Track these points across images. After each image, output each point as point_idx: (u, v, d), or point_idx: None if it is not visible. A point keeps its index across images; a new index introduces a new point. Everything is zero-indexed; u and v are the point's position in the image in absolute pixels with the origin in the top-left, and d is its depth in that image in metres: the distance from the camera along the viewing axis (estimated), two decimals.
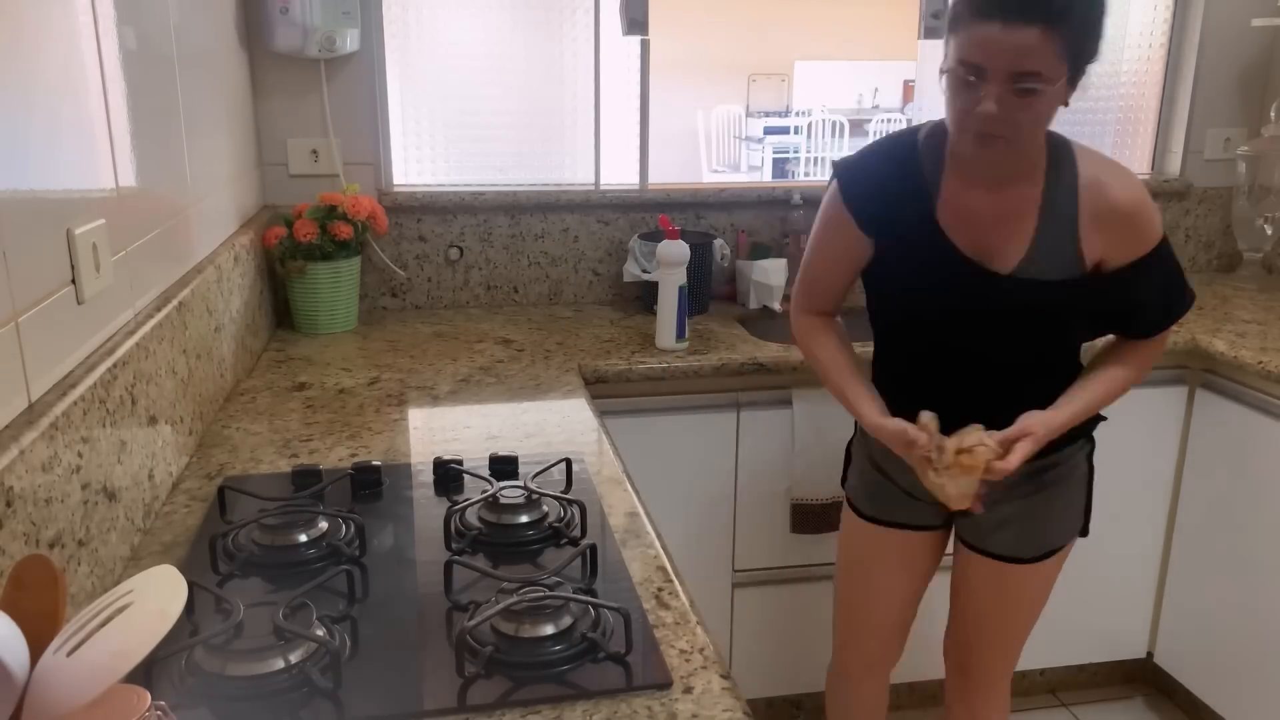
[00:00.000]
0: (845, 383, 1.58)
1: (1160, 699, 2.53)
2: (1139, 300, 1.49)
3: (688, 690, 0.99)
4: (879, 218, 1.52)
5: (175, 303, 1.50)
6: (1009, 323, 1.49)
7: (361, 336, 2.26)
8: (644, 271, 2.41)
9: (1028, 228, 1.44)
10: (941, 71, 1.36)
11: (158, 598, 0.60)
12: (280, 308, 2.33)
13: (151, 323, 1.38)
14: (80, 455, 1.09)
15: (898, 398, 1.57)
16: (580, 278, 2.57)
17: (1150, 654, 2.48)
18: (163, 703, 0.76)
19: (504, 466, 1.46)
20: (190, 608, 1.09)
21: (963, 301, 1.49)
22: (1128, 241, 1.44)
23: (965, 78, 1.32)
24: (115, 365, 1.21)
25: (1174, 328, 1.55)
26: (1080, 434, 1.59)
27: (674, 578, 1.21)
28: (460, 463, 1.48)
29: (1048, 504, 1.59)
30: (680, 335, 2.17)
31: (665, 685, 0.99)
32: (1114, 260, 1.44)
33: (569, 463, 1.49)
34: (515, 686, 0.98)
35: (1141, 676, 2.57)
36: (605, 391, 2.06)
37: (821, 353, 1.62)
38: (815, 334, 1.64)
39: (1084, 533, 1.65)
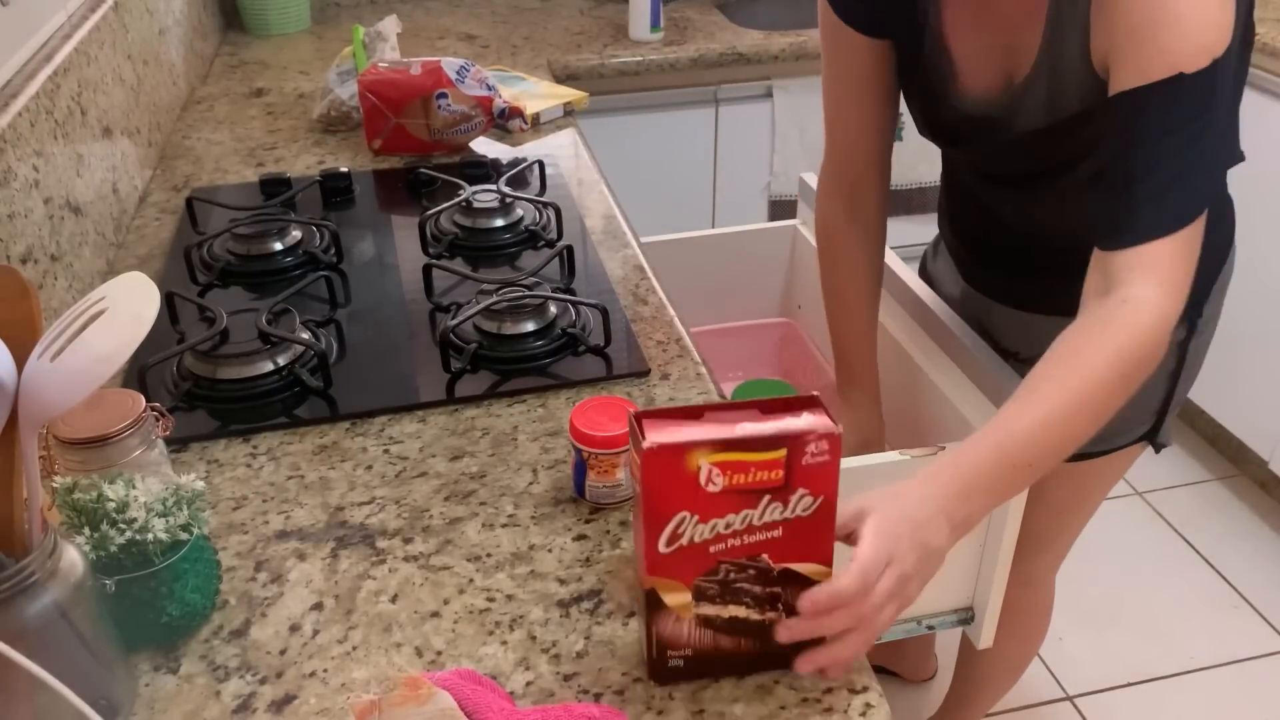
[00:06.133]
0: (840, 346, 1.19)
1: None
2: (1114, 161, 0.87)
3: (665, 376, 1.03)
4: (875, 7, 1.05)
5: (111, 2, 1.40)
6: (1015, 166, 1.05)
7: (316, 37, 2.14)
8: None
9: (1036, 24, 0.93)
10: None
11: (131, 303, 0.60)
12: (228, 7, 2.18)
13: (88, 25, 1.29)
14: (36, 169, 1.06)
15: (951, 238, 1.26)
16: None
17: None
18: (157, 404, 0.79)
19: (476, 170, 1.44)
20: (175, 317, 1.11)
21: (953, 142, 1.09)
22: (1128, 38, 0.84)
23: None
24: (56, 73, 1.15)
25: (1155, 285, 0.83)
26: None
27: (650, 275, 1.23)
28: (430, 169, 1.45)
29: None
30: (655, 24, 2.06)
31: (644, 373, 1.03)
32: (1113, 67, 0.87)
33: (541, 165, 1.47)
34: (500, 379, 1.02)
35: None
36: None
37: (830, 279, 1.19)
38: (834, 244, 1.18)
39: (1152, 440, 1.19)
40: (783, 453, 0.63)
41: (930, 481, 0.78)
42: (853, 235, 1.17)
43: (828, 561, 0.68)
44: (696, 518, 0.64)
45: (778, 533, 0.66)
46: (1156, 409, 1.17)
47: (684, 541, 0.65)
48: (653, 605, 0.67)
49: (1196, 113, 0.83)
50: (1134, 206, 0.85)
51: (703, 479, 0.63)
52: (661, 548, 0.65)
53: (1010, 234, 1.15)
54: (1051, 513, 1.19)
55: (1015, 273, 1.17)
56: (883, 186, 1.16)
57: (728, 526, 0.65)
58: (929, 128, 1.09)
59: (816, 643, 0.70)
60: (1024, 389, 0.83)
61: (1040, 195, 1.07)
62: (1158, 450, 1.21)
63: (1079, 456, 1.13)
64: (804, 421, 0.64)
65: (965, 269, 1.26)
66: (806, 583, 0.68)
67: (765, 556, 0.66)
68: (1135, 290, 0.83)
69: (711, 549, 0.65)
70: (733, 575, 0.67)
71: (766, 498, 0.64)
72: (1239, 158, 0.96)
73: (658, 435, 0.62)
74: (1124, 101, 0.85)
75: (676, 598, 0.67)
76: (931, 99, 1.05)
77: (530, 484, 0.89)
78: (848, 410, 1.18)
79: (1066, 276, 0.96)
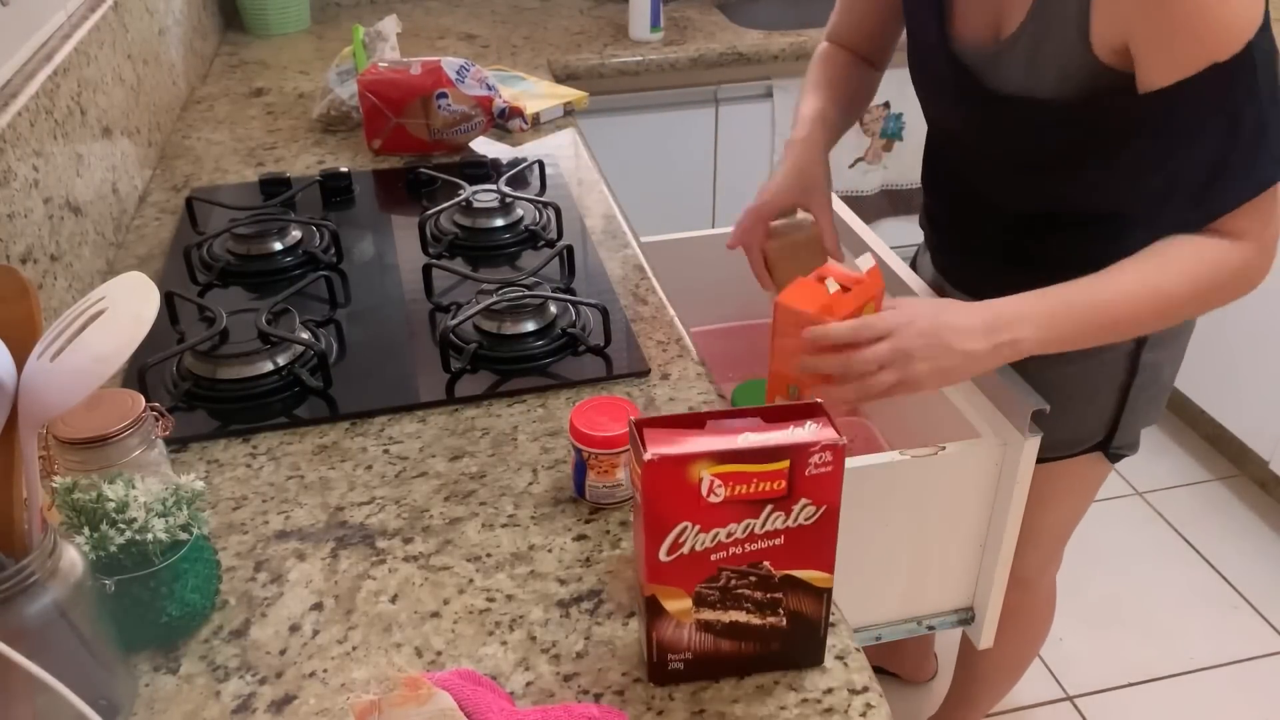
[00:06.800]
0: (803, 97, 1.20)
1: None
2: (1168, 154, 0.91)
3: (665, 377, 1.03)
4: None
5: (111, 2, 1.40)
6: (991, 136, 1.06)
7: (316, 36, 2.14)
8: None
9: None
10: None
11: (131, 303, 0.60)
12: (228, 7, 2.18)
13: (88, 24, 1.29)
14: (36, 169, 1.06)
15: (924, 220, 1.29)
16: None
17: None
18: (157, 404, 0.79)
19: (476, 170, 1.44)
20: (175, 317, 1.11)
21: (941, 94, 1.10)
22: (1152, 34, 0.86)
23: None
24: (56, 73, 1.15)
25: (1229, 234, 0.89)
26: None
27: (650, 275, 1.23)
28: (430, 169, 1.45)
29: (1052, 393, 1.09)
30: (655, 24, 2.06)
31: (644, 373, 1.03)
32: (1138, 63, 0.88)
33: (541, 165, 1.47)
34: (500, 379, 1.02)
35: None
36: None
37: (810, 74, 1.22)
38: (819, 59, 1.23)
39: (1106, 450, 1.20)
40: (785, 464, 0.63)
41: (983, 301, 0.89)
42: (832, 53, 1.22)
43: (829, 568, 0.68)
44: (698, 527, 0.64)
45: (780, 541, 0.65)
46: (1109, 420, 1.18)
47: (685, 550, 0.65)
48: (653, 611, 0.67)
49: (1241, 91, 0.85)
50: (1200, 195, 0.90)
51: (704, 490, 0.63)
52: (662, 556, 0.65)
53: (980, 217, 1.16)
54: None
55: (979, 258, 1.19)
56: (871, 53, 1.23)
57: (729, 535, 0.65)
58: (920, 69, 1.11)
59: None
60: (1108, 269, 0.91)
61: (1018, 179, 1.08)
62: (1114, 461, 1.22)
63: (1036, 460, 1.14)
64: (808, 432, 0.64)
65: (936, 256, 1.27)
66: (808, 588, 0.68)
67: (767, 563, 0.66)
68: (1225, 238, 0.90)
69: (713, 557, 0.65)
70: (733, 581, 0.67)
71: (769, 507, 0.64)
72: None
73: (659, 446, 0.62)
74: (1162, 97, 0.87)
75: (677, 604, 0.67)
76: (926, 35, 1.07)
77: (530, 484, 0.89)
78: (788, 155, 1.14)
79: (1029, 268, 0.98)
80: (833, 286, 0.92)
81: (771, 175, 1.13)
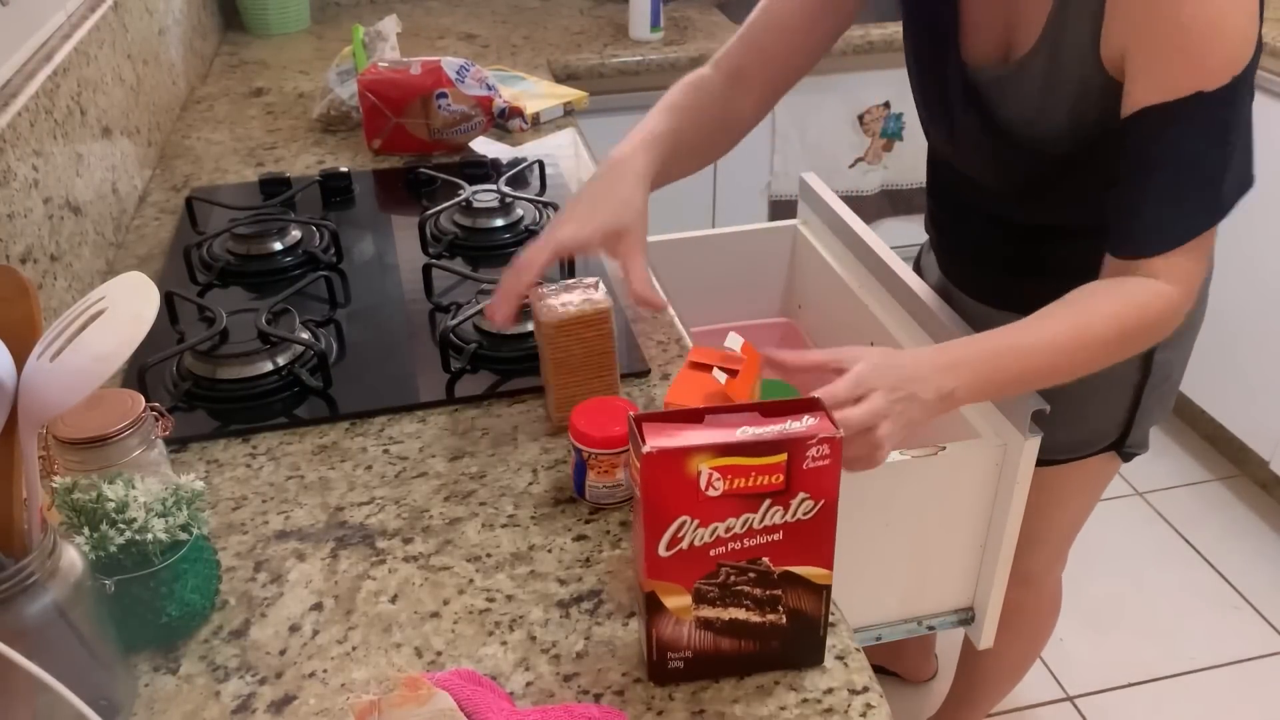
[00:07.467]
0: (645, 118, 1.04)
1: None
2: (1129, 174, 0.88)
3: (665, 377, 1.03)
4: None
5: (110, 1, 1.40)
6: (993, 160, 1.04)
7: (316, 36, 2.14)
8: None
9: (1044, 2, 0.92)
10: None
11: (131, 302, 0.60)
12: (228, 7, 2.18)
13: (88, 24, 1.29)
14: (35, 169, 1.06)
15: (931, 227, 1.27)
16: None
17: None
18: (157, 404, 0.79)
19: (476, 170, 1.44)
20: (174, 317, 1.11)
21: (945, 116, 1.06)
22: (1150, 50, 0.84)
23: None
24: (56, 73, 1.15)
25: (1166, 281, 0.87)
26: None
27: (650, 274, 1.22)
28: (430, 169, 1.45)
29: (1066, 395, 1.02)
30: (655, 24, 2.06)
31: (644, 373, 1.03)
32: (1129, 78, 0.87)
33: (541, 165, 1.47)
34: (500, 379, 1.02)
35: None
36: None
37: (665, 97, 1.08)
38: (684, 83, 1.11)
39: (1120, 449, 1.20)
40: (783, 457, 0.63)
41: (923, 350, 0.87)
42: (730, 86, 1.10)
43: (828, 564, 0.68)
44: (697, 522, 0.64)
45: (778, 536, 0.66)
46: (1122, 420, 1.18)
47: (684, 545, 0.65)
48: (653, 608, 0.67)
49: (1216, 128, 0.85)
50: (1149, 222, 0.89)
51: (703, 484, 0.63)
52: (661, 551, 0.65)
53: (983, 226, 1.15)
54: (1032, 512, 1.19)
55: (984, 265, 1.18)
56: (766, 95, 1.13)
57: (728, 530, 0.65)
58: (923, 88, 1.08)
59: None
60: (1033, 316, 0.88)
61: (1022, 196, 1.07)
62: (1126, 459, 1.22)
63: (1048, 462, 1.15)
64: (805, 425, 0.64)
65: (942, 258, 1.27)
66: (807, 585, 0.68)
67: (766, 559, 0.66)
68: (1151, 280, 0.88)
69: (712, 552, 0.65)
70: (733, 578, 0.67)
71: (767, 501, 0.64)
72: (1249, 183, 0.90)
73: (657, 439, 0.62)
74: (1143, 118, 0.86)
75: (676, 600, 0.67)
76: (932, 55, 1.04)
77: (530, 484, 0.89)
78: (593, 182, 0.95)
79: (1036, 275, 0.97)
80: (720, 376, 0.87)
81: (566, 204, 0.91)
